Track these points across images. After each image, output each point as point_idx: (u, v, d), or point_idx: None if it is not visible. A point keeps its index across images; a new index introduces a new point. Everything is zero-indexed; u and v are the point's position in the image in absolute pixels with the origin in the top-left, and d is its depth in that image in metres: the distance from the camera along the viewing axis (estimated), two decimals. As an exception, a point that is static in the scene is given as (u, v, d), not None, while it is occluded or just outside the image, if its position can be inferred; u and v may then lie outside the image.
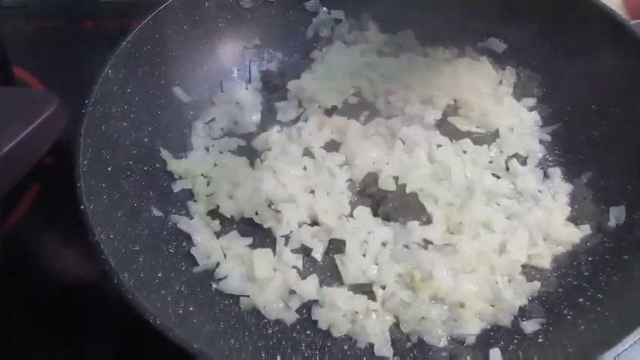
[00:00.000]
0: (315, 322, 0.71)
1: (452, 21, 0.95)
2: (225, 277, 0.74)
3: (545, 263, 0.75)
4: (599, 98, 0.84)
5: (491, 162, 0.85)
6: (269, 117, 0.92)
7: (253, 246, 0.78)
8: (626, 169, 0.78)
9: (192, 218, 0.80)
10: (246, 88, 0.95)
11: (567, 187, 0.82)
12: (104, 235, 0.64)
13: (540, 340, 0.67)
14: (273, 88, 0.96)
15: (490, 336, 0.70)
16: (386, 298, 0.72)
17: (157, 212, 0.77)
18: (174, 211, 0.80)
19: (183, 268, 0.74)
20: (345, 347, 0.70)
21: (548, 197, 0.81)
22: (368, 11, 0.99)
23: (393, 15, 0.97)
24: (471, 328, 0.69)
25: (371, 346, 0.69)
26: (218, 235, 0.79)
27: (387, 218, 0.80)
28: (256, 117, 0.92)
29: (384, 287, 0.73)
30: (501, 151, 0.86)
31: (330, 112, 0.92)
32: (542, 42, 0.90)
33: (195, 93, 0.91)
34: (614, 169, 0.79)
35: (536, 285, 0.73)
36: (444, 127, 0.90)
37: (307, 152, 0.87)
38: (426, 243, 0.77)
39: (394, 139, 0.87)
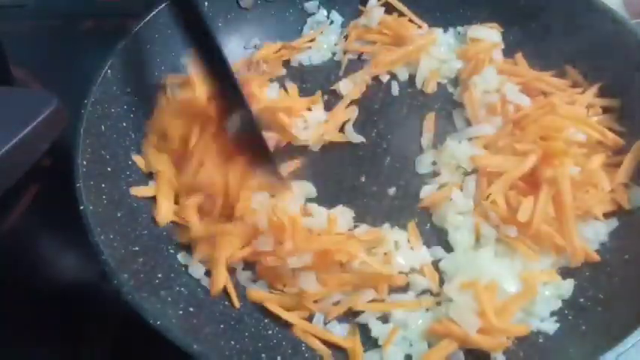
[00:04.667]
0: (316, 323, 0.71)
1: (452, 20, 0.96)
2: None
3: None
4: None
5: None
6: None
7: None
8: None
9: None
10: (246, 88, 0.95)
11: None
12: (104, 236, 0.64)
13: (541, 340, 0.67)
14: (272, 88, 0.95)
15: (490, 336, 0.70)
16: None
17: (156, 212, 0.77)
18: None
19: (183, 269, 0.73)
20: (346, 348, 0.69)
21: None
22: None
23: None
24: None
25: (372, 347, 0.69)
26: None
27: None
28: (256, 117, 0.92)
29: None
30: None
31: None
32: (542, 41, 0.90)
33: (194, 93, 0.91)
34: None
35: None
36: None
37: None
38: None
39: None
